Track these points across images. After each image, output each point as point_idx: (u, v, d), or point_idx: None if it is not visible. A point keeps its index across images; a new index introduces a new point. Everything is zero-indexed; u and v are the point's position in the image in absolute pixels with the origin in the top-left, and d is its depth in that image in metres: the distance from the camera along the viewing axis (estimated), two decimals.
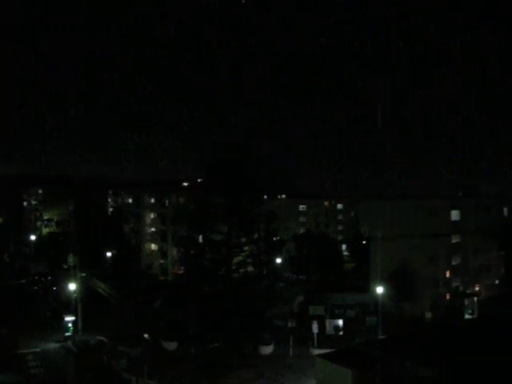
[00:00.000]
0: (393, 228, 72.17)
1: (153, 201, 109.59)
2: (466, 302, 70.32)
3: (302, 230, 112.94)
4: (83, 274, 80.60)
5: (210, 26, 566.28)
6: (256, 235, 56.86)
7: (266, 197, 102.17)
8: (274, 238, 61.51)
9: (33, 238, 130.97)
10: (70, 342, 58.11)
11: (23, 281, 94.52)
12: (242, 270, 54.53)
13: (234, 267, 54.12)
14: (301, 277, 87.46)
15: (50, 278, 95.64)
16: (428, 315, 66.42)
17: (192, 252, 57.42)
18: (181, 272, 67.03)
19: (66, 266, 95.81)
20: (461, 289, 73.68)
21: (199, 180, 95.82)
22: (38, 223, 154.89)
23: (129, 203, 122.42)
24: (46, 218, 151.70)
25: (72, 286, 65.76)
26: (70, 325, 59.53)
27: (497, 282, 79.37)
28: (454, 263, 73.37)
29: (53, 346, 57.84)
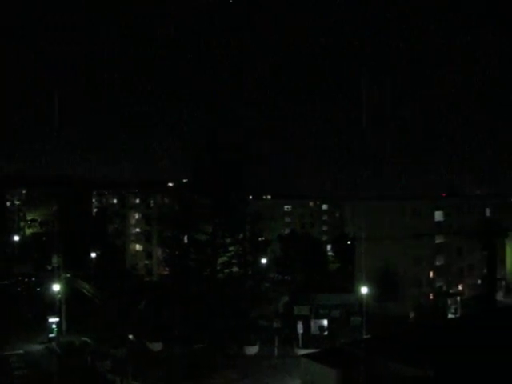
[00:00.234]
0: (377, 228, 72.73)
1: (137, 201, 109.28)
2: (449, 301, 70.96)
3: (287, 231, 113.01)
4: (67, 275, 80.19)
5: (209, 26, 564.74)
6: (241, 235, 56.99)
7: (251, 197, 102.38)
8: (259, 239, 61.46)
9: (16, 238, 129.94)
10: (54, 344, 57.74)
11: (6, 282, 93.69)
12: (226, 271, 54.60)
13: (218, 268, 54.17)
14: (286, 277, 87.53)
15: (33, 279, 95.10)
16: (412, 315, 66.96)
17: (177, 252, 57.34)
18: (166, 273, 66.76)
19: (49, 267, 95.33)
20: (444, 288, 74.36)
21: (184, 180, 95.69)
22: (22, 224, 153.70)
23: (113, 203, 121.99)
24: (29, 218, 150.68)
25: (56, 287, 65.30)
26: (53, 326, 59.14)
27: (479, 281, 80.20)
28: (437, 263, 73.98)
29: (37, 347, 57.42)
